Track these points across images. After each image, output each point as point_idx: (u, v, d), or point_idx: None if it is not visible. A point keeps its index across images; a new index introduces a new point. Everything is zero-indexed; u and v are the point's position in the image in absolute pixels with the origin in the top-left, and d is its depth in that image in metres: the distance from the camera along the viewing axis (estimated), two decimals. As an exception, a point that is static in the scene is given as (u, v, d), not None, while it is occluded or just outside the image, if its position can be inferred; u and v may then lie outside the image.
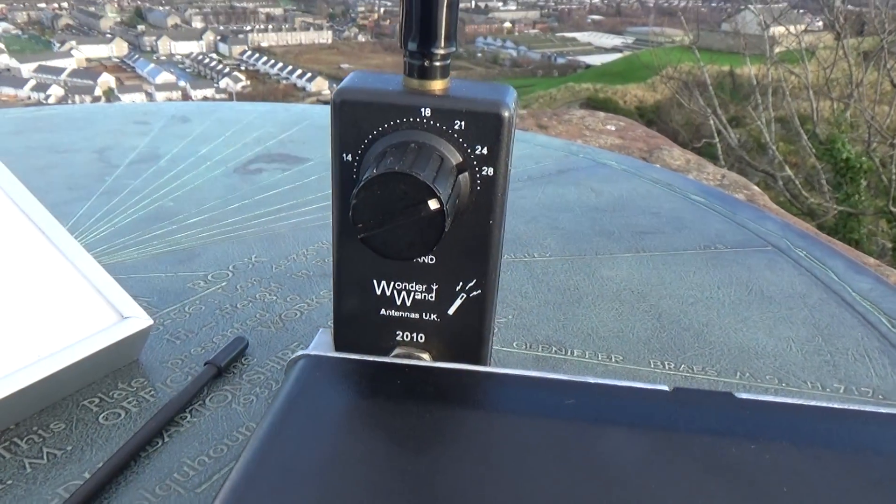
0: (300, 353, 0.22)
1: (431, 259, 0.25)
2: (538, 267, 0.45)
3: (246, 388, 0.31)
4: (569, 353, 0.36)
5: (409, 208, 0.21)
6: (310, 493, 0.17)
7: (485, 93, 0.24)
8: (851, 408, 0.19)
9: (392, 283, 0.26)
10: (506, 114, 0.23)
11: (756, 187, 0.68)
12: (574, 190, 0.58)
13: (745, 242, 0.50)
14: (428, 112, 0.23)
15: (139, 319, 0.31)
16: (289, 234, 0.48)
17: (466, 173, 0.24)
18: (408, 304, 0.26)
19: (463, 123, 0.23)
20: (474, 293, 0.26)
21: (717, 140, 5.35)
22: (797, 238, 0.51)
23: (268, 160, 0.64)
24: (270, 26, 46.12)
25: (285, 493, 0.17)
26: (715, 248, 0.48)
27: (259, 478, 0.17)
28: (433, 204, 0.21)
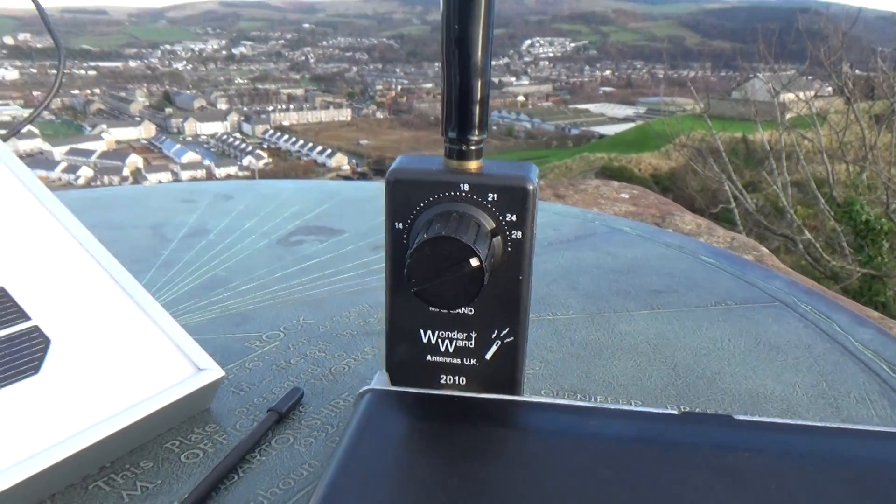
0: (366, 387, 0.26)
1: (470, 310, 0.30)
2: (561, 324, 0.49)
3: (305, 432, 0.35)
4: (592, 399, 0.39)
5: (454, 266, 0.26)
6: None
7: (512, 170, 0.29)
8: (833, 424, 0.22)
9: (437, 333, 0.30)
10: (530, 187, 0.28)
11: (765, 248, 0.72)
12: (591, 254, 0.63)
13: (753, 299, 0.53)
14: (466, 187, 0.28)
15: (213, 371, 0.36)
16: (331, 299, 0.53)
17: (499, 237, 0.28)
18: (451, 350, 0.30)
19: (495, 196, 0.28)
20: (508, 340, 0.30)
21: (733, 205, 5.39)
22: (803, 294, 0.55)
23: (306, 232, 0.70)
24: (292, 106, 47.82)
25: None
26: (725, 305, 0.52)
27: (340, 494, 0.21)
28: (474, 262, 0.26)
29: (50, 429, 0.30)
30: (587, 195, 0.93)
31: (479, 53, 0.27)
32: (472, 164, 0.29)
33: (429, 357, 0.31)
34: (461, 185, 0.28)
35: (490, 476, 0.21)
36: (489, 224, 0.28)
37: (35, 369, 0.31)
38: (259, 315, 0.50)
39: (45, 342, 0.33)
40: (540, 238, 0.66)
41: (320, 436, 0.35)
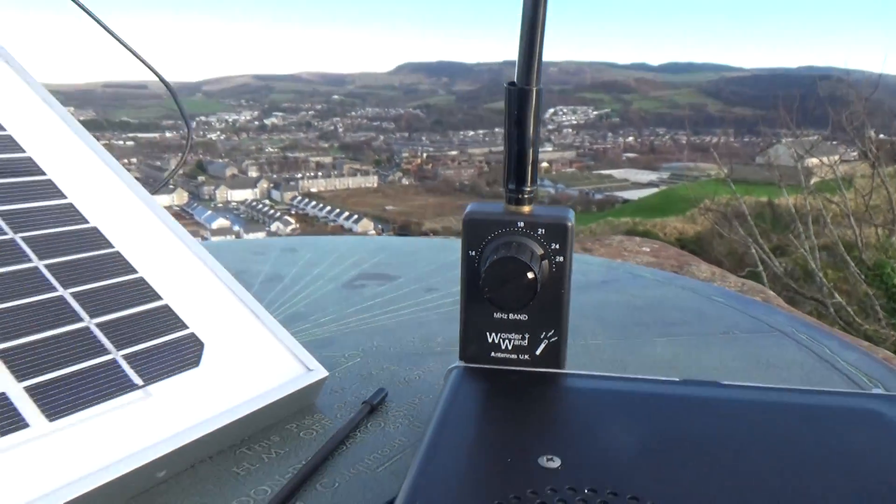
0: (453, 365, 0.36)
1: (525, 317, 0.40)
2: (592, 347, 0.58)
3: (392, 419, 0.45)
4: (618, 401, 0.48)
5: (515, 279, 0.36)
6: (476, 464, 0.29)
7: (555, 212, 0.39)
8: (795, 387, 0.31)
9: (499, 334, 0.40)
10: (569, 224, 0.39)
11: (771, 291, 0.81)
12: (616, 295, 0.73)
13: (756, 329, 0.62)
14: (521, 224, 0.39)
15: (320, 371, 0.46)
16: (397, 328, 0.63)
17: (546, 260, 0.39)
18: (509, 348, 0.40)
19: (543, 230, 0.39)
20: (552, 339, 0.40)
21: (761, 269, 5.40)
22: (801, 326, 0.64)
23: (367, 278, 0.81)
24: (320, 173, 49.00)
25: (459, 465, 0.29)
26: (731, 334, 0.61)
27: (438, 455, 0.30)
28: (530, 275, 0.36)
29: (210, 406, 0.40)
30: (612, 248, 1.03)
31: (531, 130, 0.38)
32: (525, 208, 0.39)
33: (493, 353, 0.40)
34: (518, 222, 0.39)
35: (558, 423, 0.30)
36: (539, 251, 0.38)
37: (196, 363, 0.42)
38: (339, 340, 0.60)
39: (200, 345, 0.43)
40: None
41: (404, 422, 0.45)
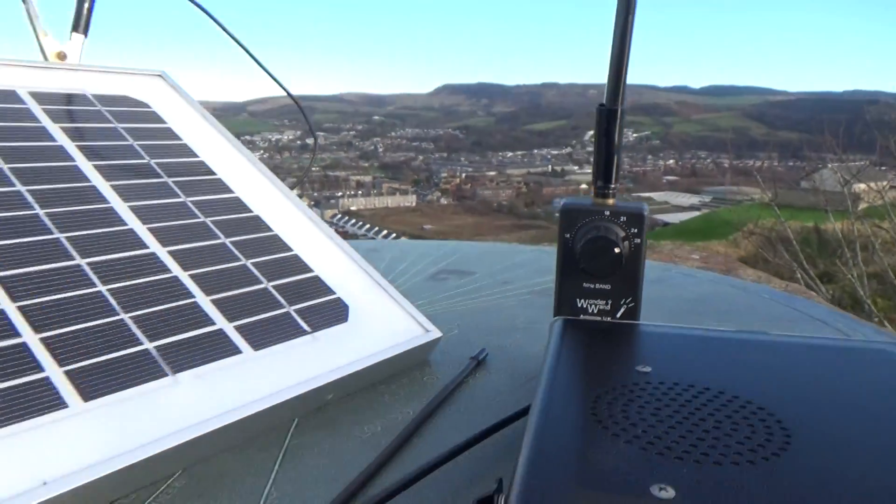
0: (557, 318, 0.47)
1: (608, 285, 0.50)
2: (652, 328, 0.68)
3: (494, 372, 0.55)
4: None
5: (605, 252, 0.47)
6: (588, 374, 0.40)
7: (634, 205, 0.50)
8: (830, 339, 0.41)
9: (587, 300, 0.51)
10: (645, 213, 0.49)
11: (815, 293, 0.89)
12: (669, 290, 0.82)
13: (797, 319, 0.71)
14: (608, 213, 0.49)
15: (435, 332, 0.57)
16: (481, 310, 0.74)
17: (627, 241, 0.49)
18: (594, 312, 0.51)
19: (624, 218, 0.49)
20: (630, 305, 0.50)
21: (806, 294, 5.33)
22: (839, 316, 0.72)
23: (447, 273, 0.92)
24: (360, 192, 49.64)
25: (576, 374, 0.40)
26: (774, 322, 0.70)
27: (559, 369, 0.40)
28: (617, 250, 0.46)
29: (357, 351, 0.51)
30: (662, 254, 1.12)
31: (616, 141, 0.48)
32: (610, 201, 0.50)
33: (581, 317, 0.51)
34: (605, 211, 0.49)
35: (646, 347, 0.40)
36: (622, 233, 0.49)
37: (345, 319, 0.53)
38: (436, 319, 0.70)
39: (346, 307, 0.55)
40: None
41: (505, 374, 0.55)
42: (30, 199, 0.48)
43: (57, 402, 0.36)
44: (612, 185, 0.50)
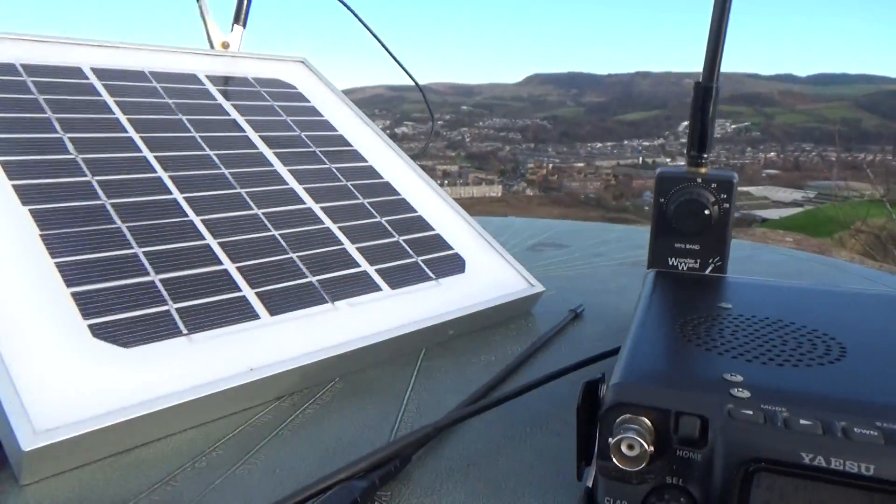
0: (650, 270, 0.54)
1: (697, 246, 0.56)
2: (739, 295, 0.73)
3: (588, 323, 0.63)
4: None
5: (697, 213, 0.53)
6: (675, 308, 0.47)
7: (724, 172, 0.56)
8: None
9: (678, 259, 0.57)
10: (734, 180, 0.55)
11: (907, 274, 0.91)
12: (759, 266, 0.86)
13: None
14: (699, 180, 0.55)
15: (539, 287, 0.65)
16: (577, 277, 0.81)
17: (717, 206, 0.55)
18: (684, 269, 0.57)
19: (715, 185, 0.55)
20: (718, 264, 0.56)
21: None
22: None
23: (544, 246, 0.99)
24: (447, 181, 50.05)
25: (666, 310, 0.46)
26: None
27: (652, 307, 0.47)
28: (706, 212, 0.53)
29: (475, 296, 0.60)
30: (755, 237, 1.15)
31: (710, 116, 0.55)
32: (702, 169, 0.56)
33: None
34: (697, 178, 0.55)
35: (730, 290, 0.47)
36: (712, 198, 0.55)
37: (462, 270, 0.62)
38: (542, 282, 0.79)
39: (462, 260, 0.63)
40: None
41: (600, 324, 0.63)
42: (216, 161, 0.60)
43: (252, 314, 0.47)
44: (705, 155, 0.56)
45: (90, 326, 0.41)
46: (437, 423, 0.38)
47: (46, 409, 0.35)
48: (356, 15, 0.79)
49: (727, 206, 0.55)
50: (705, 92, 0.54)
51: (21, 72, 0.59)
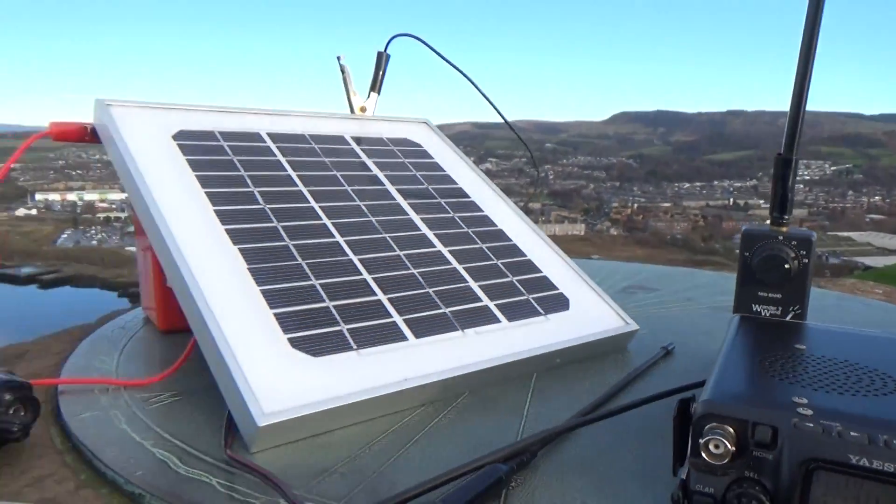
0: (735, 314, 0.62)
1: (779, 295, 0.64)
2: (822, 341, 0.79)
3: (678, 359, 0.71)
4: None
5: (777, 266, 0.61)
6: (756, 348, 0.54)
7: (803, 232, 0.64)
8: None
9: (761, 306, 0.65)
10: (813, 239, 0.63)
11: None
12: (847, 315, 0.91)
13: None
14: (781, 237, 0.64)
15: (633, 325, 0.74)
16: (669, 318, 0.89)
17: (797, 261, 0.63)
18: (767, 315, 0.65)
19: (795, 242, 0.63)
20: (797, 311, 0.64)
21: None
22: None
23: (635, 288, 1.08)
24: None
25: (748, 349, 0.54)
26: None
27: (735, 348, 0.55)
28: (787, 265, 0.61)
29: (577, 331, 0.69)
30: (844, 288, 1.19)
31: (791, 180, 0.63)
32: (783, 228, 0.64)
33: (755, 317, 0.65)
34: (779, 236, 0.64)
35: (806, 333, 0.55)
36: (792, 254, 0.63)
37: (567, 308, 0.72)
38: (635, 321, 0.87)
39: (566, 299, 0.73)
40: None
41: (689, 360, 0.71)
42: (365, 210, 0.73)
43: (402, 336, 0.59)
44: (786, 217, 0.64)
45: (289, 339, 0.53)
46: (557, 427, 0.48)
47: (269, 397, 0.48)
48: (445, 59, 0.92)
49: (806, 260, 0.63)
50: (785, 163, 0.63)
51: (219, 138, 0.74)
